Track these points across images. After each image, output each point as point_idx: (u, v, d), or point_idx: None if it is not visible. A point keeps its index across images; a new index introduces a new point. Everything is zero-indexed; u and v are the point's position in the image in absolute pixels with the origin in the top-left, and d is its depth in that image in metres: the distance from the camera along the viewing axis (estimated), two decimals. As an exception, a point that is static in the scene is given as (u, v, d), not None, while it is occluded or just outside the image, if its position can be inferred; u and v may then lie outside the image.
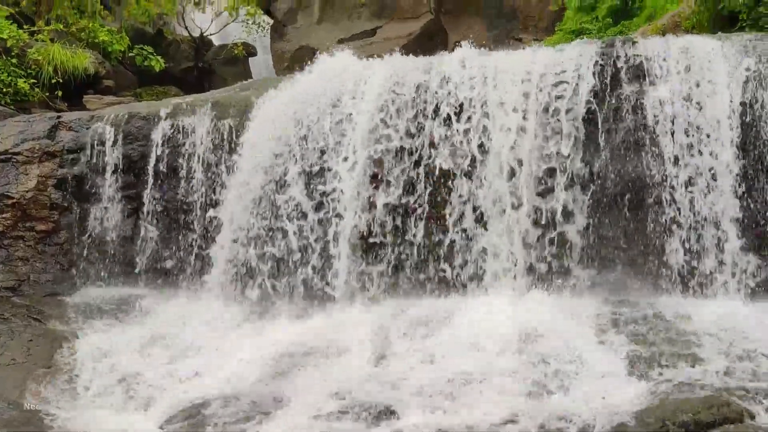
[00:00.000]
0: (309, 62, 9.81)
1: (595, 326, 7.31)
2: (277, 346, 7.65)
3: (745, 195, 7.86)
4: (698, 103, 8.10)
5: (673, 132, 8.09)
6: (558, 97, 8.44)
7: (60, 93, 14.21)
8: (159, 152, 9.45)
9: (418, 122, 8.80)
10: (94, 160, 9.60)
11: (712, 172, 7.90)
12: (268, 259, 8.81)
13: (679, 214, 7.92)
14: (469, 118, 8.65)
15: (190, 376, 7.43)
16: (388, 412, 6.35)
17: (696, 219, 7.87)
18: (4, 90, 13.46)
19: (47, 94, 14.04)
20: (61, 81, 14.10)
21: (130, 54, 17.32)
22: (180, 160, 9.39)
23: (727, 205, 7.82)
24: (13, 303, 8.85)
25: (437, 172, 8.59)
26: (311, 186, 8.87)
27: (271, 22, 22.31)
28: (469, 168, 8.51)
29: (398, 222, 8.64)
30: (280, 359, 7.41)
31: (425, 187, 8.62)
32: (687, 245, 7.86)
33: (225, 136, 9.31)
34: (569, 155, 8.25)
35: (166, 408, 6.90)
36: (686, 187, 7.96)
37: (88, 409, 7.11)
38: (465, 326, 7.53)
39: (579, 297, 7.92)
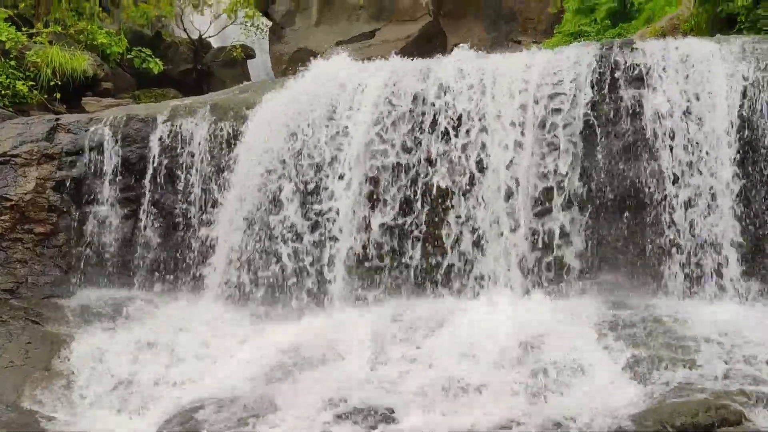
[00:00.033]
0: (304, 65, 9.79)
1: (594, 329, 7.30)
2: (274, 349, 7.63)
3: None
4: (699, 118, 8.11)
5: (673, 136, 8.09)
6: (555, 111, 8.38)
7: (58, 95, 14.21)
8: (157, 154, 9.45)
9: (415, 137, 8.71)
10: (93, 163, 9.58)
11: (712, 192, 7.90)
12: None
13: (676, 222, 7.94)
14: (467, 131, 8.55)
15: (186, 380, 7.43)
16: (386, 415, 6.34)
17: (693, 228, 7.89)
18: (3, 92, 13.46)
19: (46, 96, 14.04)
20: (59, 83, 14.10)
21: (129, 56, 17.32)
22: (178, 163, 9.38)
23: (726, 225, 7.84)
24: (12, 305, 8.84)
25: (435, 191, 8.51)
26: (306, 206, 8.80)
27: (270, 24, 22.32)
28: (468, 187, 8.42)
29: (395, 244, 8.55)
30: (277, 362, 7.40)
31: (422, 206, 8.55)
32: (686, 251, 7.88)
33: (224, 138, 9.31)
34: (567, 173, 8.19)
35: (162, 412, 6.90)
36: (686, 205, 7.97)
37: (85, 412, 7.13)
38: (464, 328, 7.52)
39: (578, 299, 7.91)
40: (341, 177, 8.71)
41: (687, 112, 8.10)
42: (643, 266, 8.01)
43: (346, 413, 6.39)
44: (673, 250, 7.89)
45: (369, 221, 8.58)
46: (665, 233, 7.94)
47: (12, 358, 7.90)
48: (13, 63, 13.83)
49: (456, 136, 8.58)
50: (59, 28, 15.54)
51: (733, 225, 7.80)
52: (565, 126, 8.31)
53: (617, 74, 8.43)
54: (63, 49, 14.60)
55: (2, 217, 9.33)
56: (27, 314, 8.69)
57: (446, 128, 8.63)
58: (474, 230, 8.33)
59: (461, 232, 8.37)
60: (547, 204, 8.21)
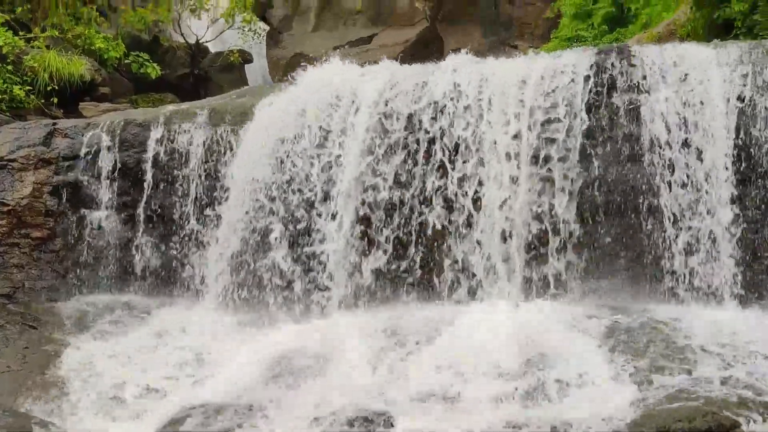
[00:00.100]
0: (300, 68, 9.74)
1: (592, 334, 7.30)
2: (269, 355, 7.62)
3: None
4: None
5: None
6: (550, 141, 8.31)
7: (55, 100, 14.21)
8: (155, 159, 9.45)
9: (408, 170, 8.61)
10: (90, 167, 9.58)
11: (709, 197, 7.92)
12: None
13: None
14: (465, 162, 8.43)
15: (180, 387, 7.42)
16: (382, 421, 6.33)
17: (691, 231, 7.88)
18: (0, 97, 13.45)
19: (43, 101, 14.04)
20: (56, 88, 14.11)
21: (126, 61, 17.33)
22: (176, 167, 9.38)
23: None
24: (8, 310, 8.83)
25: (430, 231, 8.44)
26: (297, 248, 8.68)
27: (267, 29, 22.34)
28: (464, 230, 8.32)
29: (388, 292, 8.45)
30: (271, 369, 7.38)
31: (416, 248, 8.48)
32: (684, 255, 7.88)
33: (221, 143, 9.31)
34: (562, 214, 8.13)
35: (158, 417, 6.88)
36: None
37: (81, 418, 7.11)
38: (462, 333, 7.51)
39: (576, 304, 7.90)
40: (333, 216, 8.58)
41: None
42: (642, 271, 8.01)
43: (340, 420, 6.38)
44: (672, 253, 7.90)
45: (361, 267, 8.45)
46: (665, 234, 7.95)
47: (9, 363, 7.89)
48: (10, 67, 13.83)
49: (453, 168, 8.46)
50: (57, 33, 15.55)
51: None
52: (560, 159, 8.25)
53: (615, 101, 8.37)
54: (60, 53, 14.61)
55: (-1, 222, 9.33)
56: (24, 319, 8.68)
57: (442, 161, 8.51)
58: (471, 275, 8.24)
59: (458, 280, 8.25)
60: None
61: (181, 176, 9.35)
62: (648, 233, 7.98)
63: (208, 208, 9.18)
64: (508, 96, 8.58)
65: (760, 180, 7.83)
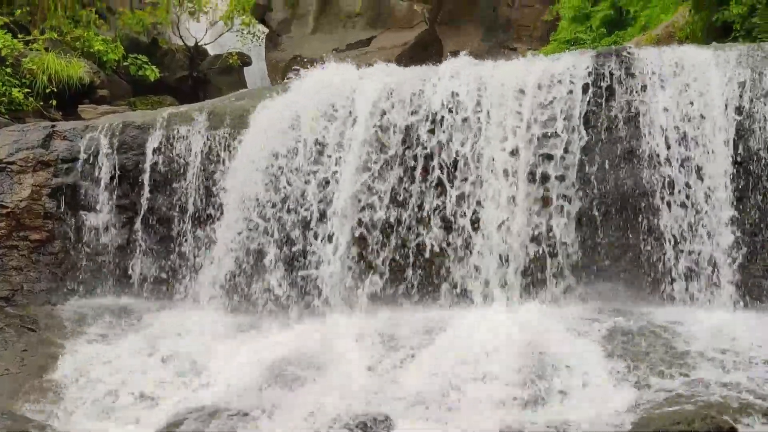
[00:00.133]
0: (302, 69, 9.67)
1: (592, 336, 7.30)
2: (269, 357, 7.61)
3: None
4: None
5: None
6: (547, 158, 8.27)
7: (54, 102, 14.20)
8: (153, 162, 9.44)
9: (405, 188, 8.50)
10: (89, 170, 9.58)
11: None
12: None
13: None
14: (464, 180, 8.34)
15: (178, 389, 7.41)
16: (383, 422, 6.33)
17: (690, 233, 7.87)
18: (-1, 99, 13.46)
19: (42, 103, 14.03)
20: (55, 90, 14.10)
21: (125, 63, 17.31)
22: (174, 170, 9.38)
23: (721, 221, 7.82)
24: (7, 313, 8.83)
25: (427, 254, 8.37)
26: (292, 272, 8.61)
27: (266, 31, 22.33)
28: (463, 253, 8.24)
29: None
30: (270, 370, 7.37)
31: (414, 271, 8.40)
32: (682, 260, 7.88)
33: (219, 146, 9.30)
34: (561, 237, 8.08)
35: (155, 421, 6.87)
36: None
37: (79, 421, 7.10)
38: (460, 335, 7.50)
39: (574, 306, 7.90)
40: (330, 238, 8.47)
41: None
42: (640, 273, 8.01)
43: (340, 421, 6.37)
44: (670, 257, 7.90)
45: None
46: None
47: (7, 366, 7.88)
48: (9, 70, 13.83)
49: (451, 185, 8.38)
50: (55, 35, 15.54)
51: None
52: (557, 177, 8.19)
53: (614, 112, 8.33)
54: (59, 56, 14.60)
55: (-2, 225, 9.33)
56: (22, 322, 8.68)
57: (440, 179, 8.42)
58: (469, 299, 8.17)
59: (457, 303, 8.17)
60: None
61: (179, 179, 9.34)
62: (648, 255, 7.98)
63: (204, 225, 9.16)
64: (505, 107, 8.50)
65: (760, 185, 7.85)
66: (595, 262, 8.08)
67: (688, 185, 7.93)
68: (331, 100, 9.06)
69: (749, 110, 7.96)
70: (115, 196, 9.50)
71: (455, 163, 8.43)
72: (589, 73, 8.44)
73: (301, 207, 8.70)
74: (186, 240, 9.22)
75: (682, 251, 7.84)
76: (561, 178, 8.16)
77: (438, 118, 8.61)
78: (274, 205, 8.80)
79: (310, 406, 6.65)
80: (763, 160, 7.85)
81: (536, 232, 8.11)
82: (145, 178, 9.43)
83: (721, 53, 8.42)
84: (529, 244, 8.13)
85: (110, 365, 7.87)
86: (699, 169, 7.93)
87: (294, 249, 8.66)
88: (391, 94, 8.87)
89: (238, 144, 9.17)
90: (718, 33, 11.35)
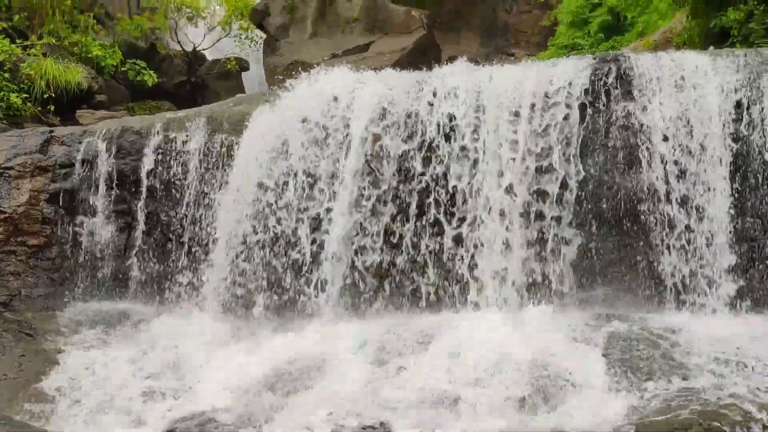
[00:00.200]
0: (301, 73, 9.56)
1: (589, 342, 7.29)
2: (266, 363, 7.60)
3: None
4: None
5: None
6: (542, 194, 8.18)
7: (52, 107, 14.18)
8: (151, 167, 9.44)
9: (398, 231, 8.34)
10: (87, 175, 9.58)
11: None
12: None
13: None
14: (463, 219, 8.16)
15: (175, 395, 7.39)
16: (380, 429, 6.32)
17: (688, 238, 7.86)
18: (-3, 104, 13.45)
19: (39, 108, 14.01)
20: (53, 95, 14.08)
21: (123, 69, 17.32)
22: (172, 175, 9.37)
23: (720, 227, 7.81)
24: (5, 318, 8.82)
25: (424, 303, 8.15)
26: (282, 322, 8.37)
27: (264, 36, 22.34)
28: (461, 298, 8.06)
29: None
30: (268, 376, 7.36)
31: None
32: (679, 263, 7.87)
33: (218, 150, 9.30)
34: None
35: (153, 426, 6.86)
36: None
37: (78, 426, 7.09)
38: (458, 340, 7.49)
39: (571, 311, 7.90)
40: (323, 288, 8.33)
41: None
42: (638, 279, 8.01)
43: (337, 429, 6.37)
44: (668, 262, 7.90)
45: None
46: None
47: (5, 371, 7.87)
48: (7, 75, 13.81)
49: (449, 222, 8.24)
50: (53, 41, 15.52)
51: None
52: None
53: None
54: (57, 61, 14.59)
55: (-5, 230, 9.32)
56: (20, 327, 8.66)
57: (436, 217, 8.26)
58: None
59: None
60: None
61: (177, 184, 9.33)
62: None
63: (202, 230, 9.15)
64: (499, 133, 8.32)
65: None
66: (593, 267, 8.08)
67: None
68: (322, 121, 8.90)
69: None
70: (113, 202, 9.50)
71: (452, 198, 8.27)
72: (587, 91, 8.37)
73: (295, 251, 8.54)
74: (184, 245, 9.21)
75: (681, 257, 7.84)
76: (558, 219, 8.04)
77: (435, 144, 8.44)
78: (263, 247, 8.66)
79: (304, 413, 6.64)
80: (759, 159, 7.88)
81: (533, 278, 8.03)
82: (143, 183, 9.43)
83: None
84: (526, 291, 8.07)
85: (109, 370, 7.86)
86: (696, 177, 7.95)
87: (284, 298, 8.51)
88: (384, 117, 8.68)
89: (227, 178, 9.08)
90: (715, 38, 11.37)
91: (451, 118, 8.50)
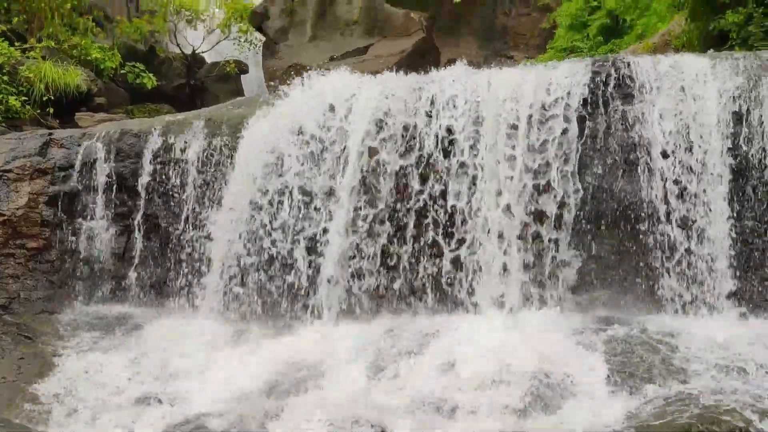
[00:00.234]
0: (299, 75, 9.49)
1: (586, 344, 7.29)
2: (265, 365, 7.60)
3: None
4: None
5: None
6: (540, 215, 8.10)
7: (51, 110, 14.20)
8: (150, 169, 9.44)
9: (395, 252, 8.22)
10: (86, 178, 9.58)
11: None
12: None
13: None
14: (462, 241, 8.05)
15: (174, 399, 7.38)
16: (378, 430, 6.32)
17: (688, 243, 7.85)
18: (-4, 107, 13.46)
19: (39, 111, 14.03)
20: (52, 98, 14.10)
21: (122, 71, 17.35)
22: (172, 178, 9.37)
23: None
24: (4, 321, 8.81)
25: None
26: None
27: (263, 39, 22.37)
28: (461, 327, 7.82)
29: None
30: (266, 379, 7.35)
31: None
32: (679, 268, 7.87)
33: (217, 153, 9.30)
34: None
35: (152, 429, 6.85)
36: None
37: (77, 429, 7.08)
38: (455, 343, 7.48)
39: (570, 314, 7.90)
40: (319, 314, 8.22)
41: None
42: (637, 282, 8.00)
43: (338, 426, 6.36)
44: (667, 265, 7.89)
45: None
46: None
47: (4, 374, 7.87)
48: (6, 78, 13.82)
49: (448, 242, 8.12)
50: (52, 43, 15.55)
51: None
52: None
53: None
54: (56, 64, 14.61)
55: (-6, 233, 9.32)
56: (19, 330, 8.66)
57: (434, 239, 8.16)
58: None
59: None
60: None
61: (176, 187, 9.34)
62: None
63: (203, 222, 9.15)
64: (497, 148, 8.21)
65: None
66: (592, 271, 8.06)
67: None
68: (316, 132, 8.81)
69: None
70: (112, 204, 9.50)
71: (451, 218, 8.16)
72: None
73: (291, 274, 8.45)
74: (183, 248, 9.21)
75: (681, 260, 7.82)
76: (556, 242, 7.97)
77: (432, 162, 8.34)
78: (257, 270, 8.60)
79: (301, 417, 6.63)
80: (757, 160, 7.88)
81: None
82: (142, 185, 9.43)
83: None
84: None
85: (108, 372, 7.85)
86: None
87: (279, 325, 8.40)
88: (381, 127, 8.59)
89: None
90: (714, 41, 11.38)
91: (450, 131, 8.42)
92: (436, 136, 8.44)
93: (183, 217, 9.21)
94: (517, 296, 7.99)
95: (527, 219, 8.03)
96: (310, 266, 8.43)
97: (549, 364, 6.91)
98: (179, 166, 9.35)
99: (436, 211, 8.24)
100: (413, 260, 8.22)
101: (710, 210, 7.80)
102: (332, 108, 8.89)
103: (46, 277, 9.36)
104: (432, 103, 8.59)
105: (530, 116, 8.22)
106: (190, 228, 9.17)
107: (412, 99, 8.68)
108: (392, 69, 9.55)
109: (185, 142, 9.43)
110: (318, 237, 8.46)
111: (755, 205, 7.74)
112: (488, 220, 8.04)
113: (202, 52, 21.19)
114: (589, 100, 8.21)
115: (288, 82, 9.40)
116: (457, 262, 8.13)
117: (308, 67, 11.78)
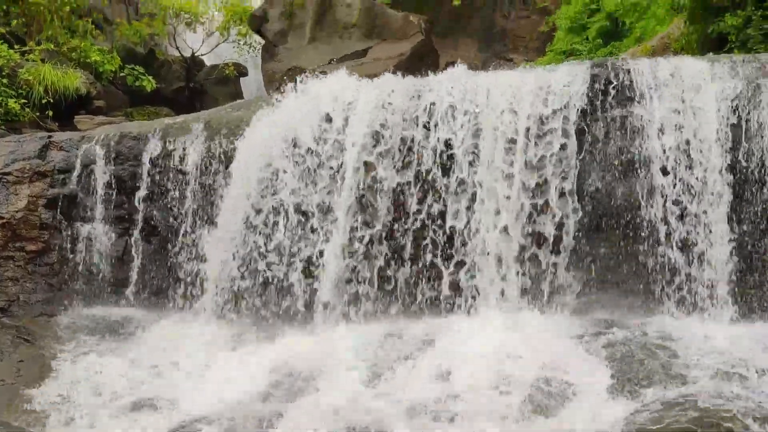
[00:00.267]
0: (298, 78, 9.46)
1: (586, 347, 7.29)
2: (264, 369, 7.59)
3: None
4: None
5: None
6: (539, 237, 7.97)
7: (51, 113, 14.21)
8: (150, 172, 9.44)
9: (393, 275, 8.07)
10: (85, 180, 9.58)
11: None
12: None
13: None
14: (461, 263, 7.95)
15: (172, 401, 7.38)
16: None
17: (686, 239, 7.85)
18: (-5, 110, 13.47)
19: (38, 114, 14.04)
20: (51, 101, 14.12)
21: (122, 74, 17.37)
22: (171, 180, 9.38)
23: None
24: (3, 324, 8.81)
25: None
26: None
27: (263, 42, 22.38)
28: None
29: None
30: (265, 382, 7.35)
31: None
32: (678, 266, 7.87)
33: (217, 156, 9.30)
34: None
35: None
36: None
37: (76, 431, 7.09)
38: (453, 346, 7.48)
39: (570, 316, 7.89)
40: None
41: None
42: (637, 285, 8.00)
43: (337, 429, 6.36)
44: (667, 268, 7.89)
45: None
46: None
47: (3, 377, 7.87)
48: (5, 81, 13.84)
49: (446, 261, 7.99)
50: (52, 46, 15.57)
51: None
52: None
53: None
54: (55, 66, 14.62)
55: (-6, 235, 9.32)
56: (18, 332, 8.66)
57: (433, 255, 8.03)
58: None
59: None
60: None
61: (176, 190, 9.34)
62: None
63: (202, 224, 9.15)
64: (495, 165, 8.08)
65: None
66: (591, 273, 8.06)
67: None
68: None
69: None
70: (111, 207, 9.50)
71: (450, 239, 8.05)
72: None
73: (286, 298, 8.43)
74: (182, 250, 9.22)
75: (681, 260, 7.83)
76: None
77: (431, 181, 8.23)
78: (252, 294, 8.59)
79: (304, 418, 6.63)
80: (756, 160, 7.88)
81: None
82: (142, 188, 9.43)
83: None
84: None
85: (107, 375, 7.85)
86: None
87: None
88: (378, 140, 8.47)
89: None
90: (713, 44, 11.39)
91: (449, 145, 8.29)
92: (434, 151, 8.31)
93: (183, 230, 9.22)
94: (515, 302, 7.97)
95: (525, 241, 7.91)
96: (306, 291, 8.32)
97: (549, 368, 6.91)
98: (179, 175, 9.36)
99: (434, 231, 8.11)
100: (411, 283, 8.09)
101: (710, 210, 7.84)
102: (329, 118, 8.78)
103: (45, 280, 9.36)
104: (430, 114, 8.45)
105: (528, 129, 8.08)
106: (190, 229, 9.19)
107: (410, 109, 8.55)
108: (391, 72, 9.47)
109: (184, 144, 9.42)
110: (314, 259, 8.33)
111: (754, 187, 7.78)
112: (486, 241, 7.92)
113: (202, 55, 21.20)
114: (588, 110, 8.15)
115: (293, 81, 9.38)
116: (456, 287, 8.01)
117: (307, 70, 11.79)
